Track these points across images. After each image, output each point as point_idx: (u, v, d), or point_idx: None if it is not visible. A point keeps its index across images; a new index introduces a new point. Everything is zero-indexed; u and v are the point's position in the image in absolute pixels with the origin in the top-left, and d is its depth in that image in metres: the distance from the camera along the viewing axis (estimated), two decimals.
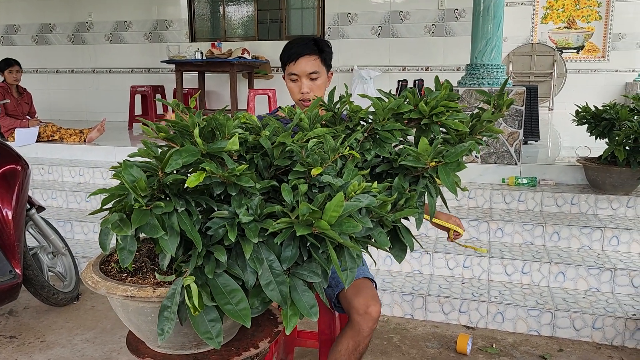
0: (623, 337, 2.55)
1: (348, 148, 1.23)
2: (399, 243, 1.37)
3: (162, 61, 6.14)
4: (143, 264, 1.30)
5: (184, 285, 1.06)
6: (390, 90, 1.97)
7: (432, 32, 6.27)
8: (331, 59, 2.05)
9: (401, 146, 1.49)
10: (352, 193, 1.17)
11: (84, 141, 5.03)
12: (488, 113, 1.63)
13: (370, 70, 6.25)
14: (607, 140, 3.34)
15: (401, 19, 6.33)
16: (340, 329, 2.07)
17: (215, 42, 6.33)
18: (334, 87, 1.68)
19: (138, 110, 6.60)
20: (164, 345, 1.27)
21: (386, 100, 1.54)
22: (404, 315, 2.83)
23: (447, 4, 6.14)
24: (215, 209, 1.16)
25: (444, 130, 1.54)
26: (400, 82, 5.77)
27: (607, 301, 2.71)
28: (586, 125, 3.44)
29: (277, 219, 1.16)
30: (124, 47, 7.63)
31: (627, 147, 3.15)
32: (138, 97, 6.52)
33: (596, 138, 3.40)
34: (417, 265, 3.07)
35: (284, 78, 2.05)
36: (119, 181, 1.13)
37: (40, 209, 2.98)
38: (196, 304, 1.02)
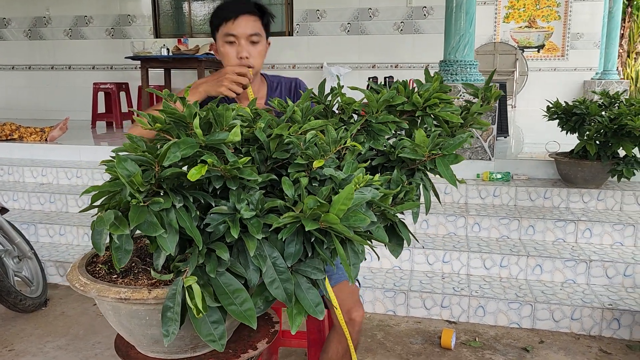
0: (600, 327, 2.60)
1: (350, 139, 1.19)
2: (395, 237, 1.34)
3: (126, 57, 5.96)
4: (133, 264, 1.23)
5: (185, 286, 1.00)
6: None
7: (401, 30, 6.30)
8: (270, 26, 1.82)
9: (393, 139, 1.47)
10: (357, 186, 1.13)
11: (46, 140, 4.82)
12: (477, 105, 1.62)
13: (340, 68, 6.23)
14: (577, 135, 3.41)
15: (370, 16, 6.34)
16: (328, 327, 2.03)
17: (182, 38, 6.18)
18: (324, 80, 1.64)
19: (101, 108, 6.39)
20: (158, 349, 1.20)
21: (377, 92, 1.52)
22: (386, 311, 2.82)
23: (415, 1, 6.17)
24: (213, 205, 1.10)
25: (435, 122, 1.53)
26: (370, 79, 5.77)
27: (584, 292, 2.76)
28: (551, 121, 3.52)
29: (278, 213, 1.12)
30: (84, 43, 7.38)
31: (597, 142, 3.22)
32: (101, 95, 6.31)
33: (567, 133, 3.46)
34: (397, 261, 3.06)
35: (211, 48, 1.85)
36: (109, 177, 1.06)
37: (4, 210, 2.83)
38: (200, 306, 0.96)
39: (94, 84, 6.21)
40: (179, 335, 1.16)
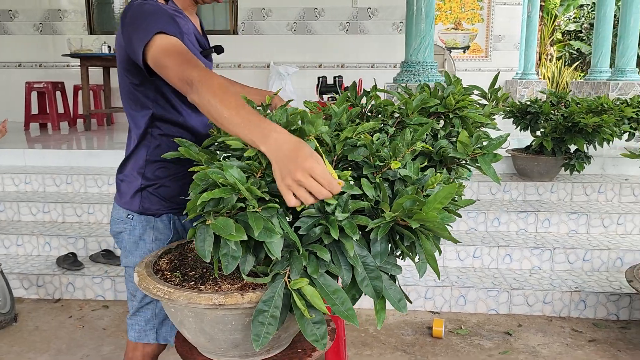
0: (569, 309, 2.83)
1: (420, 143, 1.25)
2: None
3: (64, 55, 5.63)
4: (205, 270, 1.22)
5: (293, 289, 1.01)
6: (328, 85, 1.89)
7: (347, 30, 6.42)
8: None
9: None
10: (433, 185, 1.19)
11: None
12: (489, 107, 1.73)
13: (288, 67, 6.25)
14: (530, 131, 3.68)
15: (316, 16, 6.41)
16: (343, 333, 2.09)
17: None
18: (354, 83, 1.68)
19: (34, 109, 6.00)
20: (234, 353, 1.21)
21: (406, 95, 1.60)
22: (372, 306, 2.89)
23: (360, 2, 6.31)
24: (297, 209, 1.12)
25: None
26: (320, 79, 5.83)
27: (550, 277, 2.99)
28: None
29: (362, 213, 1.15)
30: (8, 39, 6.87)
31: (551, 138, 3.49)
32: (34, 94, 5.92)
33: (521, 130, 3.72)
34: None
35: None
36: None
37: None
38: (322, 307, 0.98)
39: (27, 83, 5.82)
40: None
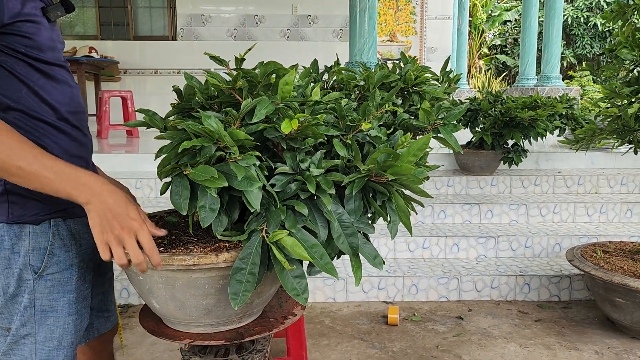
0: (515, 293, 2.94)
1: (389, 104, 1.27)
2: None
3: None
4: (174, 237, 1.17)
5: (271, 242, 0.99)
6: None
7: (287, 37, 6.47)
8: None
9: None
10: (403, 145, 1.21)
11: None
12: (443, 87, 1.79)
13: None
14: (469, 128, 3.83)
15: (257, 23, 6.41)
16: (303, 320, 2.06)
17: None
18: (315, 60, 1.69)
19: None
20: (205, 322, 1.17)
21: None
22: (327, 299, 2.90)
23: (300, 10, 6.38)
24: (273, 166, 1.11)
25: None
26: None
27: (496, 264, 3.11)
28: None
29: (336, 171, 1.16)
30: None
31: (490, 133, 3.64)
32: None
33: (462, 127, 3.87)
34: None
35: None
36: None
37: None
38: (304, 255, 0.97)
39: None
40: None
